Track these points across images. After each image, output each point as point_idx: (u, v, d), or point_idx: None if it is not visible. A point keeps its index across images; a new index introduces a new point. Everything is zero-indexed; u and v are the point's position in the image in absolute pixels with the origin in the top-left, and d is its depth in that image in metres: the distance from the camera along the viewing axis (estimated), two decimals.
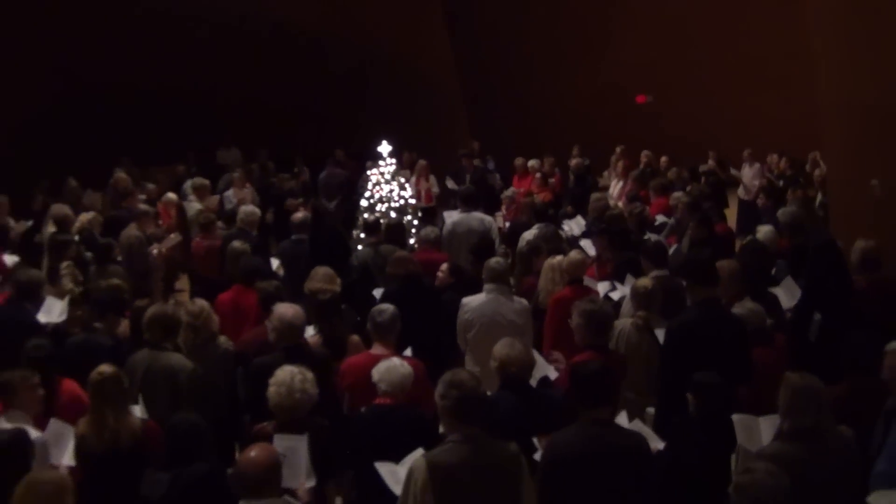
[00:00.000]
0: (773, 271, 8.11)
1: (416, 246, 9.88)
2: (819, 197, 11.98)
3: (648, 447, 4.65)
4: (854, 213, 8.89)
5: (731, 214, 13.75)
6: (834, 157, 10.05)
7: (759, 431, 4.89)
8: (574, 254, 7.63)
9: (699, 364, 5.32)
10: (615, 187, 13.45)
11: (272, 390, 4.92)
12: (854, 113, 8.75)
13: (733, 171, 15.26)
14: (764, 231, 9.01)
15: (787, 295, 7.39)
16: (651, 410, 5.98)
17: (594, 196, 11.48)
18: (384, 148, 11.70)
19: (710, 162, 15.45)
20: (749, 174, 14.92)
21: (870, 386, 5.10)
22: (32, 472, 4.37)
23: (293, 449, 4.65)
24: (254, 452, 4.05)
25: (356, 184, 13.89)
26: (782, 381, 4.50)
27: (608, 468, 4.37)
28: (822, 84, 9.56)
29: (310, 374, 5.01)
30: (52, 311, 7.39)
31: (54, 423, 5.21)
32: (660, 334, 6.24)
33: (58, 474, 4.40)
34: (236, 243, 8.65)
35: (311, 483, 4.71)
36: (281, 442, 4.55)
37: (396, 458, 4.77)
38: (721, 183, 14.27)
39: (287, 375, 4.93)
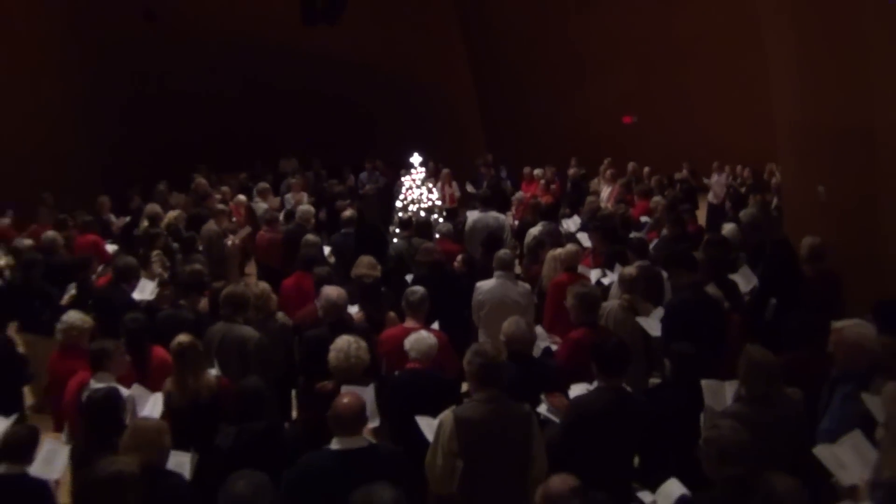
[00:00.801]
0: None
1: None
2: (774, 201, 11.90)
3: (648, 408, 4.71)
4: (803, 214, 8.83)
5: (701, 215, 13.64)
6: (787, 167, 9.98)
7: (723, 394, 4.86)
8: (570, 246, 7.61)
9: (691, 335, 5.34)
10: (605, 192, 13.38)
11: (332, 355, 4.95)
12: (803, 131, 8.70)
13: (704, 180, 15.16)
14: (728, 228, 8.98)
15: (743, 281, 7.35)
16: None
17: (588, 199, 11.46)
18: (415, 159, 11.71)
19: (684, 171, 15.37)
20: (717, 182, 14.82)
21: (809, 356, 5.08)
22: (136, 419, 4.40)
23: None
24: (347, 399, 4.04)
25: (393, 188, 13.88)
26: (742, 353, 4.49)
27: (620, 425, 4.47)
28: (777, 107, 9.50)
29: (363, 343, 5.06)
30: (145, 291, 7.46)
31: (136, 388, 5.23)
32: (641, 318, 6.26)
33: (157, 420, 4.43)
34: (310, 236, 8.65)
35: (374, 423, 4.80)
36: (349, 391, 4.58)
37: (423, 411, 4.77)
38: (693, 189, 14.17)
39: (345, 343, 4.98)
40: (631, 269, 6.63)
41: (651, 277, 6.92)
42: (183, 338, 5.17)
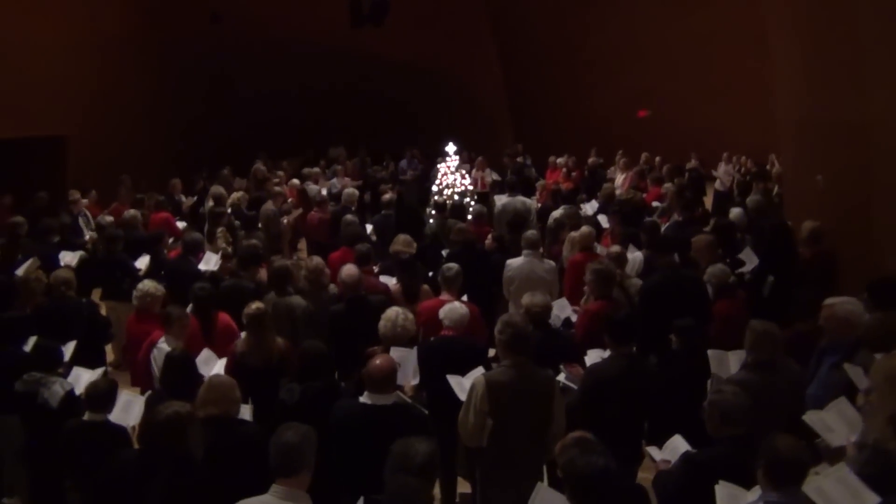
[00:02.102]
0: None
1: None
2: (776, 189, 11.69)
3: (658, 374, 4.68)
4: (803, 201, 8.68)
5: (708, 201, 13.47)
6: (787, 158, 9.83)
7: (728, 363, 4.83)
8: (584, 228, 7.57)
9: (664, 311, 5.29)
10: (619, 179, 13.23)
11: (382, 323, 4.98)
12: (802, 125, 8.55)
13: (713, 172, 14.96)
14: (734, 213, 8.88)
15: (746, 261, 7.28)
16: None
17: (605, 186, 11.36)
18: (450, 147, 11.67)
19: (693, 161, 15.16)
20: (724, 171, 14.61)
21: (811, 330, 5.00)
22: (211, 376, 4.46)
23: (405, 357, 4.78)
24: (379, 361, 4.06)
25: (429, 174, 13.86)
26: (748, 325, 4.45)
27: (632, 388, 4.44)
28: (779, 103, 9.34)
29: (410, 315, 5.08)
30: (210, 263, 7.54)
31: (205, 352, 5.28)
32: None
33: (229, 377, 4.46)
34: (348, 216, 8.67)
35: (415, 381, 4.83)
36: (396, 352, 4.62)
37: (455, 372, 4.77)
38: (701, 177, 14.00)
39: (393, 314, 5.01)
40: (616, 248, 6.64)
41: (649, 258, 6.92)
42: (259, 304, 5.21)
